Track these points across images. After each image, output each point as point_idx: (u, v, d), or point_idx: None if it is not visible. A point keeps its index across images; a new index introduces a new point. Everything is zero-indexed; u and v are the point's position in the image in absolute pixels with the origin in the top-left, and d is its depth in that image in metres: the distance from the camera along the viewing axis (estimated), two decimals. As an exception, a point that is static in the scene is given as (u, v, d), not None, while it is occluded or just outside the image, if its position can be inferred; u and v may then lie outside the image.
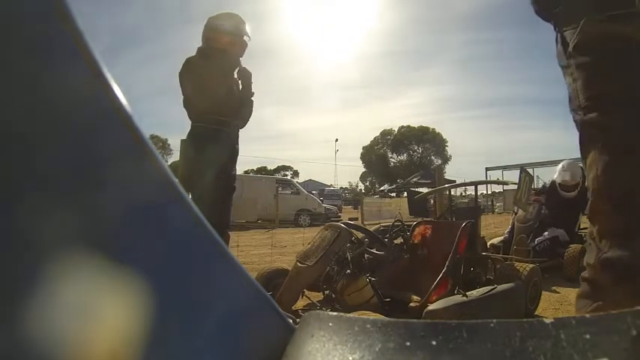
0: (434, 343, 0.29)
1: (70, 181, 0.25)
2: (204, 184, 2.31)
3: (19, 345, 0.22)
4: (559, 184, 4.45)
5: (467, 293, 1.95)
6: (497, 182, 8.23)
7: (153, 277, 0.27)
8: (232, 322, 0.33)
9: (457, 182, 4.91)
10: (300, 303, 2.26)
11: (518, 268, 2.46)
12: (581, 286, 1.26)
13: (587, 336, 0.26)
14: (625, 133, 1.13)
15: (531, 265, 2.57)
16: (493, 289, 2.09)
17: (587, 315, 0.28)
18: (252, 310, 0.36)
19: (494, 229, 7.57)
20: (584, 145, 1.23)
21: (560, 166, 4.56)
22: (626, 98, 1.14)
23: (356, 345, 0.31)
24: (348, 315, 0.35)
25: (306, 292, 2.29)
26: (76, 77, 0.26)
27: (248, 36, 2.60)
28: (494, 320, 0.29)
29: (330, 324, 0.33)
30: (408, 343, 0.30)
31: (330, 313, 0.36)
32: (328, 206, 15.81)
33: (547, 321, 0.28)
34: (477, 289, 2.10)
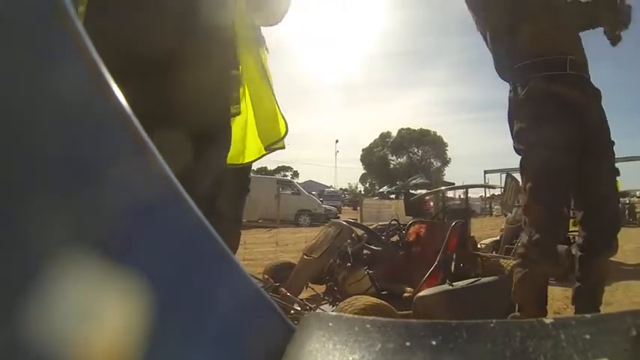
0: (434, 343, 0.29)
1: (70, 181, 0.25)
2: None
3: (19, 345, 0.22)
4: None
5: (453, 284, 2.14)
6: (486, 186, 8.46)
7: (152, 278, 0.27)
8: (232, 322, 0.33)
9: (456, 185, 4.99)
10: (305, 294, 2.45)
11: (502, 264, 2.60)
12: (516, 260, 1.95)
13: (587, 336, 0.26)
14: (552, 162, 1.73)
15: (514, 262, 2.63)
16: (477, 280, 2.30)
17: (588, 315, 0.28)
18: (252, 311, 0.36)
19: (490, 231, 7.58)
20: (524, 167, 1.87)
21: None
22: (553, 141, 1.75)
23: (356, 345, 0.31)
24: (348, 315, 0.35)
25: (310, 284, 2.49)
26: (75, 77, 0.26)
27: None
28: (494, 320, 0.29)
29: (330, 324, 0.33)
30: (408, 343, 0.30)
31: (330, 313, 0.36)
32: (328, 207, 15.85)
33: (547, 321, 0.28)
34: (463, 281, 2.27)
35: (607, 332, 0.26)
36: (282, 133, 1.51)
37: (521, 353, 0.27)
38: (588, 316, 0.27)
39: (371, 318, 0.33)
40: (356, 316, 0.34)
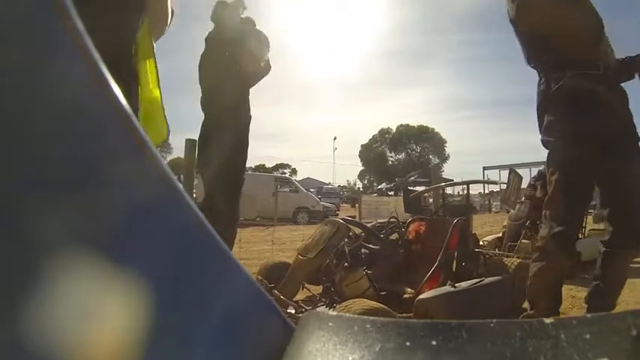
0: (434, 343, 0.29)
1: (70, 181, 0.25)
2: (212, 176, 2.42)
3: (19, 345, 0.22)
4: None
5: (455, 284, 2.09)
6: (488, 182, 8.47)
7: (152, 278, 0.27)
8: (232, 322, 0.33)
9: (455, 181, 4.99)
10: (301, 295, 2.36)
11: (506, 263, 2.63)
12: (534, 255, 1.97)
13: (587, 336, 0.26)
14: (579, 156, 1.81)
15: (518, 261, 2.73)
16: (480, 281, 2.24)
17: (588, 315, 0.28)
18: (252, 310, 0.36)
19: (490, 228, 7.59)
20: (552, 159, 1.93)
21: None
22: (584, 134, 1.80)
23: (356, 345, 0.31)
24: (347, 315, 0.35)
25: (307, 285, 2.45)
26: (75, 77, 0.26)
27: (264, 61, 2.72)
28: (494, 320, 0.29)
29: (330, 324, 0.33)
30: (408, 343, 0.30)
31: (330, 313, 0.36)
32: (326, 204, 15.85)
33: (547, 321, 0.28)
34: (466, 282, 2.22)
35: (607, 332, 0.26)
36: (165, 137, 1.63)
37: (521, 353, 0.27)
38: (588, 316, 0.28)
39: (371, 318, 0.33)
40: (356, 315, 0.34)
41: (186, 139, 2.95)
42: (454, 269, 2.40)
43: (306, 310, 2.05)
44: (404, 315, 1.93)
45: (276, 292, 2.10)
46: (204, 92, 2.56)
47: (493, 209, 18.13)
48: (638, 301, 2.82)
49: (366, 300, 1.85)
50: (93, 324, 0.25)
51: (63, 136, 0.25)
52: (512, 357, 0.27)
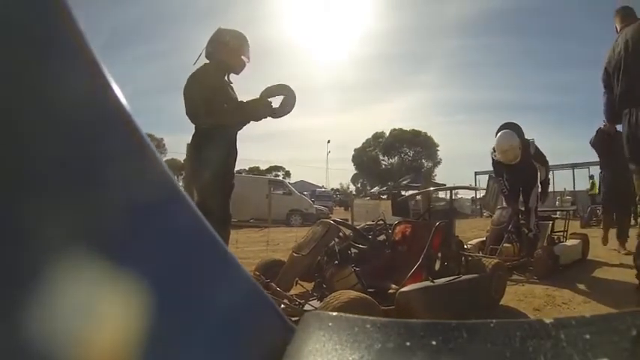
0: (434, 343, 0.29)
1: (71, 181, 0.25)
2: (204, 181, 2.52)
3: (20, 344, 0.22)
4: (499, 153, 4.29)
5: (434, 280, 2.27)
6: (470, 188, 8.93)
7: (153, 277, 0.27)
8: (232, 322, 0.33)
9: (447, 186, 5.03)
10: (294, 291, 2.48)
11: (484, 262, 2.77)
12: None
13: (587, 336, 0.26)
14: None
15: (495, 261, 2.91)
16: (457, 278, 2.44)
17: (587, 315, 0.28)
18: (252, 310, 0.36)
19: (478, 232, 7.64)
20: None
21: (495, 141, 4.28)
22: None
23: (356, 345, 0.31)
24: (347, 315, 0.35)
25: (300, 281, 2.52)
26: (76, 77, 0.25)
27: (247, 58, 2.77)
28: (494, 320, 0.30)
29: (330, 324, 0.33)
30: (407, 343, 0.30)
31: (330, 313, 0.36)
32: (319, 207, 15.86)
33: (547, 321, 0.28)
34: (445, 278, 2.40)
35: (607, 332, 0.26)
36: None
37: (521, 353, 0.27)
38: (588, 316, 0.28)
39: (371, 318, 0.33)
40: (356, 315, 0.34)
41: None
42: (437, 268, 2.53)
43: (299, 303, 2.16)
44: (387, 308, 2.03)
45: (272, 284, 2.18)
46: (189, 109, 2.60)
47: (485, 214, 18.26)
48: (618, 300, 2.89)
49: (351, 291, 1.94)
50: (93, 324, 0.25)
51: (63, 136, 0.25)
52: (512, 357, 0.27)
